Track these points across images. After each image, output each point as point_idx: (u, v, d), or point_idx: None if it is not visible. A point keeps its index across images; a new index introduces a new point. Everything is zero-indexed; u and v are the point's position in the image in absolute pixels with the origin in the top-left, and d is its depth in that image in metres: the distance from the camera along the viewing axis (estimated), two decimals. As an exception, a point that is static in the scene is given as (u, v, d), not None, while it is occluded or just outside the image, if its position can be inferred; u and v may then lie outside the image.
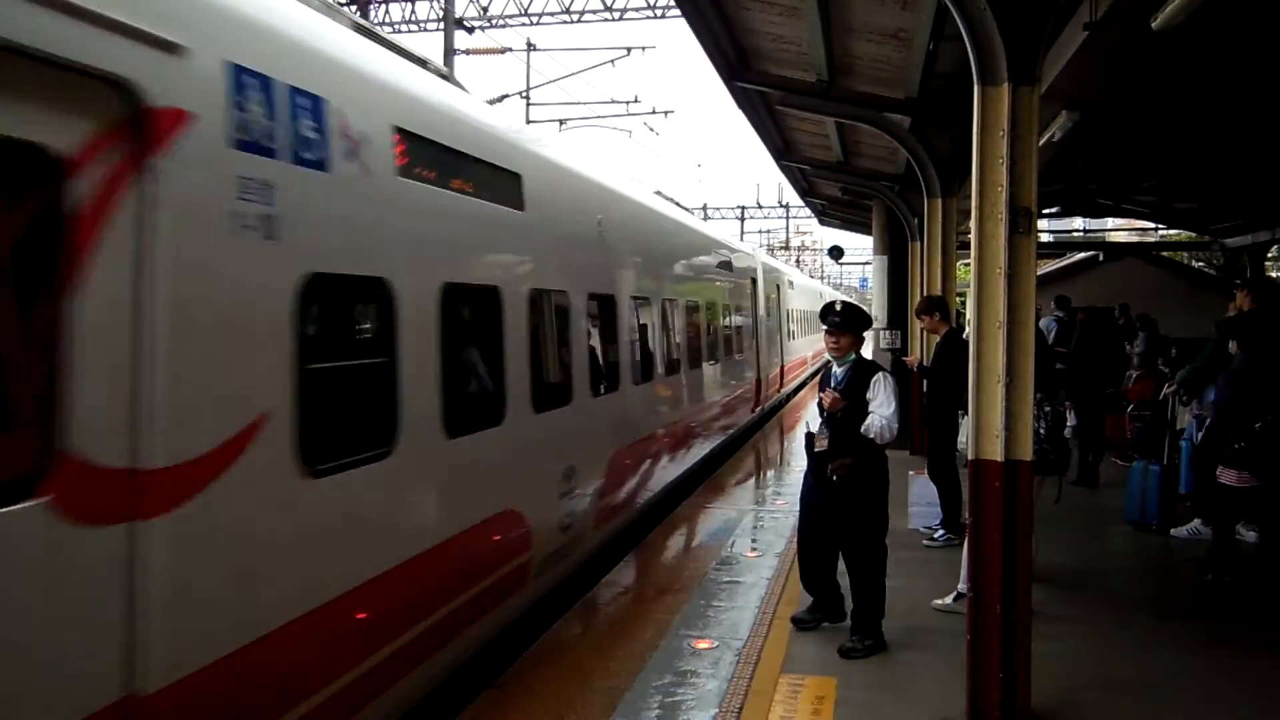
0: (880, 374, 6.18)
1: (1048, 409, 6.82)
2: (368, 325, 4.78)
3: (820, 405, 6.26)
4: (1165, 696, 5.42)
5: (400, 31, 21.55)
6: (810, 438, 6.31)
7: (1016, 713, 4.88)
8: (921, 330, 11.32)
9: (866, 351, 6.92)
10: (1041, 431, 6.67)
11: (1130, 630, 6.47)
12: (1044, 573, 7.02)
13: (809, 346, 28.90)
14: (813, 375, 27.41)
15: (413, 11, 21.59)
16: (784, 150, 16.05)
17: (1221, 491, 7.42)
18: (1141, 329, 15.83)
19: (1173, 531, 8.93)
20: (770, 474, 13.28)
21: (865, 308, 7.28)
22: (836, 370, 6.31)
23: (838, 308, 6.28)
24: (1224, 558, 7.49)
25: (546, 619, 6.90)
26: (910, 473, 9.56)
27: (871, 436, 6.02)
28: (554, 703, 5.40)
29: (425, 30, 21.51)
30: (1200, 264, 27.89)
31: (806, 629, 6.39)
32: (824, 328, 6.29)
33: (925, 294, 11.51)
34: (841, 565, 6.36)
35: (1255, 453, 7.06)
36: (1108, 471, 11.68)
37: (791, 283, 25.66)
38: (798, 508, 6.64)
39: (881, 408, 6.02)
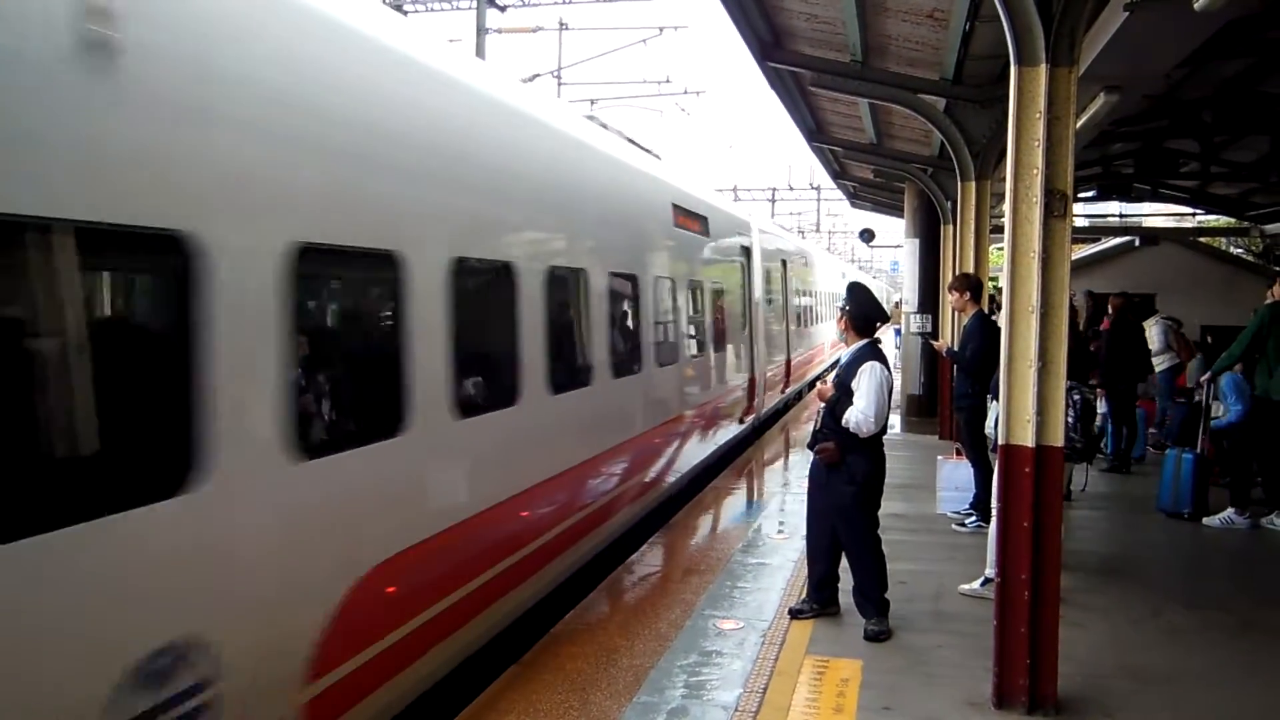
0: (868, 364, 6.03)
1: (1076, 398, 6.73)
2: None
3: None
4: (1194, 686, 5.37)
5: (432, 10, 21.49)
6: (817, 414, 6.39)
7: (1043, 699, 4.87)
8: (953, 312, 11.24)
9: (889, 336, 6.94)
10: (1070, 420, 6.61)
11: (1160, 619, 6.42)
12: (1073, 560, 6.98)
13: (829, 333, 26.82)
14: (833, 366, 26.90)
15: (446, -11, 21.43)
16: (816, 132, 15.93)
17: None
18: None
19: (1205, 521, 8.84)
20: (798, 457, 13.24)
21: (894, 291, 7.30)
22: (844, 355, 6.32)
23: (848, 293, 6.35)
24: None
25: (572, 598, 6.94)
26: (939, 458, 9.53)
27: (850, 429, 5.98)
28: (579, 680, 5.45)
29: (457, 9, 21.39)
30: (1239, 250, 27.43)
31: (805, 618, 6.34)
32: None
33: (959, 272, 11.41)
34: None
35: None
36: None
37: (805, 259, 23.35)
38: None
39: (860, 399, 5.95)
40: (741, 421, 13.57)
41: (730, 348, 12.83)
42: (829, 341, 25.85)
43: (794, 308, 19.47)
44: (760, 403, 14.87)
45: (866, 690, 5.24)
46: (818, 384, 6.28)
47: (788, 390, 18.50)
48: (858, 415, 5.93)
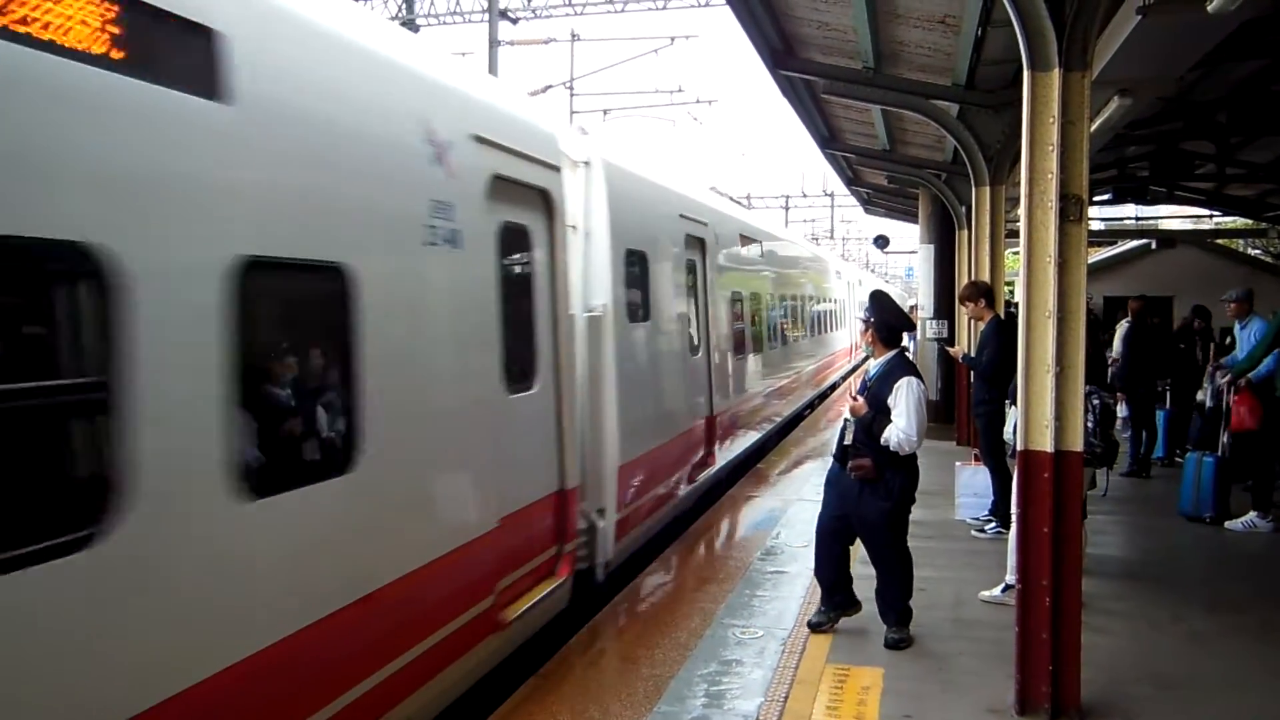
0: (904, 380, 5.84)
1: (1095, 402, 6.68)
2: None
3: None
4: (1216, 691, 5.34)
5: (445, 23, 21.65)
6: (845, 425, 6.21)
7: (1065, 706, 4.85)
8: (968, 319, 11.21)
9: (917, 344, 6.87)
10: (1089, 425, 6.57)
11: (1182, 624, 6.38)
12: (1095, 565, 6.95)
13: (814, 352, 19.80)
14: (823, 394, 21.40)
15: (457, 2, 21.60)
16: (829, 139, 15.94)
17: None
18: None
19: (1227, 524, 8.78)
20: (817, 464, 13.21)
21: (909, 297, 7.23)
22: (870, 367, 6.22)
23: (870, 302, 6.23)
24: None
25: (592, 608, 6.94)
26: (958, 464, 9.49)
27: (891, 449, 5.80)
28: (599, 690, 5.45)
29: (470, 22, 21.55)
30: (1257, 251, 27.29)
31: (824, 631, 6.19)
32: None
33: (969, 280, 11.38)
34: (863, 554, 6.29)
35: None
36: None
37: (757, 244, 14.48)
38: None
39: (900, 418, 5.75)
40: (533, 591, 5.99)
41: (459, 434, 5.11)
42: (813, 368, 19.61)
43: (728, 324, 11.86)
44: (626, 522, 7.72)
45: (888, 698, 5.23)
46: (848, 399, 5.96)
47: (713, 468, 10.81)
48: (899, 435, 5.74)
